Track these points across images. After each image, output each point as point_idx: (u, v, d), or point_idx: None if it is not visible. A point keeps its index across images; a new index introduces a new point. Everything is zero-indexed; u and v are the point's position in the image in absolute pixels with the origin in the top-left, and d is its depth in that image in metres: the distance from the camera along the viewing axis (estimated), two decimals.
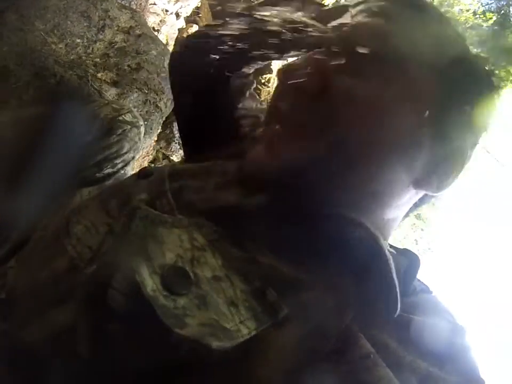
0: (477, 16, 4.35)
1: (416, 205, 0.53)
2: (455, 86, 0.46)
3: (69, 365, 0.35)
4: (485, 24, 4.34)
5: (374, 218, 0.47)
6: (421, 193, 0.51)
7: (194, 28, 2.91)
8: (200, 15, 3.08)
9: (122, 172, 0.88)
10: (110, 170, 0.86)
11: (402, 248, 0.51)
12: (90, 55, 1.18)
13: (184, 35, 2.84)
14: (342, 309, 0.39)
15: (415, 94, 0.45)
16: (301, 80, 0.45)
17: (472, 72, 0.47)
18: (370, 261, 0.41)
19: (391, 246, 0.51)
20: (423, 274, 0.51)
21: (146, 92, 1.45)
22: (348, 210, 0.42)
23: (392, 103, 0.44)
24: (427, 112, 0.45)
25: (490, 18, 4.30)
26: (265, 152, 0.46)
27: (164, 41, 2.46)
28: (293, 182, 0.44)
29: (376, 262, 0.41)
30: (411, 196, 0.50)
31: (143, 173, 0.50)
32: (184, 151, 0.67)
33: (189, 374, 0.33)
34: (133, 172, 0.54)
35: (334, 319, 0.38)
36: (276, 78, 0.49)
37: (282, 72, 0.48)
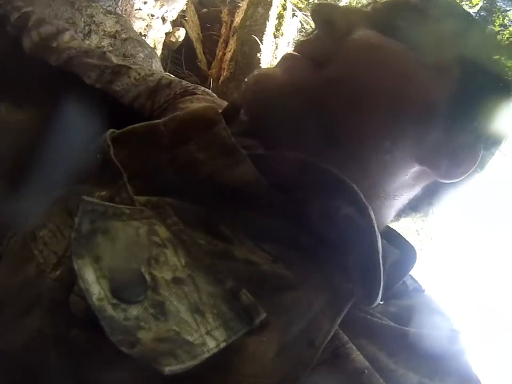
0: (463, 1, 4.36)
1: (422, 199, 0.50)
2: (476, 86, 0.45)
3: (44, 371, 0.32)
4: (471, 10, 4.34)
5: (372, 196, 0.44)
6: (424, 179, 0.47)
7: (181, 31, 2.93)
8: (186, 18, 3.10)
9: None
10: None
11: (399, 237, 0.49)
12: None
13: (171, 39, 2.86)
14: (332, 313, 0.35)
15: (438, 69, 0.44)
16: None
17: (495, 74, 0.47)
18: (354, 236, 0.37)
19: (389, 231, 0.49)
20: (423, 266, 0.49)
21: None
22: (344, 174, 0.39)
23: (415, 65, 0.43)
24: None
25: (477, 3, 4.30)
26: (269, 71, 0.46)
27: (152, 46, 2.47)
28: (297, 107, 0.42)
29: (359, 237, 0.37)
30: (412, 175, 0.46)
31: (98, 165, 0.45)
32: None
33: None
34: None
35: (322, 324, 0.34)
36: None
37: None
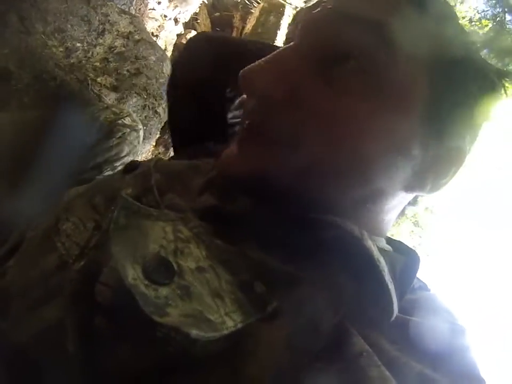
0: (473, 23, 4.38)
1: (410, 204, 0.51)
2: (454, 84, 0.43)
3: (59, 362, 0.34)
4: (481, 32, 4.36)
5: (363, 221, 0.44)
6: (411, 196, 0.48)
7: (193, 34, 2.93)
8: (198, 20, 3.10)
9: None
10: (110, 172, 0.87)
11: (402, 244, 0.49)
12: (90, 59, 1.18)
13: (183, 41, 2.86)
14: (335, 305, 0.37)
15: (402, 102, 0.41)
16: (262, 86, 0.40)
17: (475, 70, 0.44)
18: (358, 262, 0.38)
19: (390, 241, 0.50)
20: (424, 267, 0.48)
21: (145, 97, 1.46)
22: (332, 213, 0.39)
23: (375, 117, 0.40)
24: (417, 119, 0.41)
25: (486, 25, 4.32)
26: (237, 152, 0.42)
27: (163, 47, 2.47)
28: (266, 188, 0.40)
29: (364, 263, 0.38)
30: (402, 198, 0.46)
31: (129, 167, 0.49)
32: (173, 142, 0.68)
33: (178, 373, 0.32)
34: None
35: (327, 314, 0.36)
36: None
37: (242, 78, 0.42)
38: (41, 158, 0.67)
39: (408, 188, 0.44)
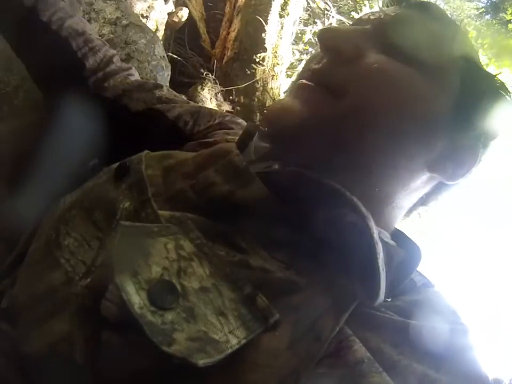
0: None
1: (429, 196, 0.55)
2: (478, 81, 0.49)
3: (67, 373, 0.35)
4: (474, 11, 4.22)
5: (381, 206, 0.49)
6: (433, 181, 0.52)
7: (184, 11, 2.86)
8: None
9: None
10: None
11: (406, 237, 0.52)
12: None
13: (174, 19, 2.80)
14: (337, 311, 0.38)
15: (442, 81, 0.48)
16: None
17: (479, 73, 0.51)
18: (357, 242, 0.40)
19: (395, 233, 0.52)
20: (427, 265, 0.51)
21: None
22: (352, 192, 0.42)
23: (418, 84, 0.47)
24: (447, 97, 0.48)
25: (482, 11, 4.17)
26: (295, 100, 0.48)
27: (154, 27, 2.42)
28: (311, 140, 0.46)
29: (361, 243, 0.40)
30: (423, 181, 0.51)
31: (120, 171, 0.49)
32: None
33: (179, 381, 0.33)
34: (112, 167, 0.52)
35: (328, 321, 0.37)
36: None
37: (322, 33, 0.49)
38: (41, 159, 0.67)
39: (431, 167, 0.49)
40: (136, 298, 0.33)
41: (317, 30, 3.84)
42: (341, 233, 0.42)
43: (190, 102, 0.80)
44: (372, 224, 0.40)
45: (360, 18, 0.55)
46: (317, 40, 0.52)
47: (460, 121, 0.48)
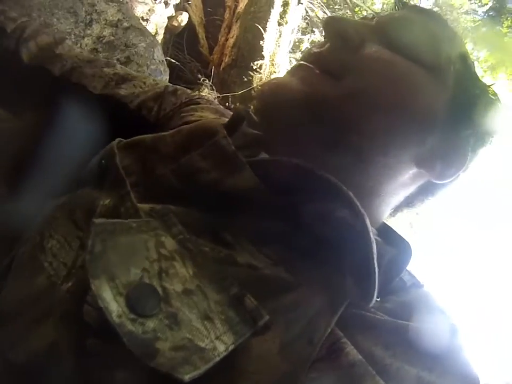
0: (472, 1, 4.28)
1: (415, 196, 0.54)
2: (468, 81, 0.50)
3: (57, 380, 0.34)
4: (480, 10, 4.27)
5: (373, 195, 0.48)
6: (420, 179, 0.52)
7: (184, 16, 2.88)
8: (189, 1, 3.05)
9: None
10: None
11: (395, 234, 0.50)
12: None
13: (174, 23, 2.82)
14: (328, 312, 0.37)
15: (437, 77, 0.48)
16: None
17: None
18: (349, 239, 0.39)
19: (384, 230, 0.51)
20: (417, 261, 0.50)
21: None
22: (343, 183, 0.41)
23: (416, 76, 0.47)
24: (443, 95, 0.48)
25: (486, 3, 4.23)
26: (294, 77, 0.48)
27: (153, 31, 2.43)
28: (309, 117, 0.45)
29: (354, 241, 0.39)
30: (410, 176, 0.50)
31: (101, 169, 0.47)
32: None
33: None
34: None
35: (320, 323, 0.36)
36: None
37: (330, 19, 0.51)
38: (40, 161, 0.66)
39: (420, 163, 0.48)
40: (114, 306, 0.30)
41: (314, 39, 3.88)
42: (330, 229, 0.40)
43: (152, 81, 0.73)
44: (368, 222, 0.39)
45: (365, 16, 0.57)
46: (322, 26, 0.53)
47: (452, 120, 0.48)
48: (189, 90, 0.71)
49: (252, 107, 0.52)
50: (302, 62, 0.49)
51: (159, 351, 0.30)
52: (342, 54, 0.47)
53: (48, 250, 0.40)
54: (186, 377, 0.29)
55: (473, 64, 0.53)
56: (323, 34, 0.51)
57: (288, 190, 0.41)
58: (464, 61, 0.51)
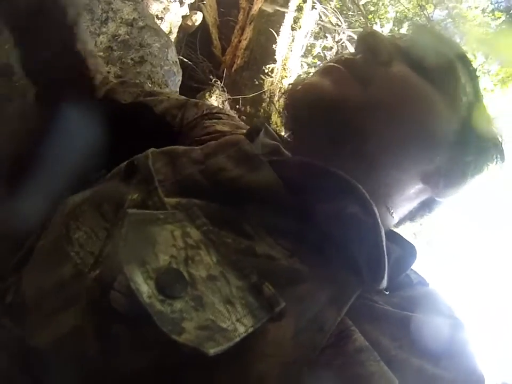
0: (486, 14, 4.27)
1: (416, 211, 0.57)
2: (478, 115, 0.55)
3: (78, 366, 0.35)
4: (493, 23, 4.26)
5: (380, 206, 0.50)
6: (423, 195, 0.55)
7: (198, 15, 2.88)
8: (204, 1, 3.04)
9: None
10: None
11: (401, 238, 0.53)
12: (94, 49, 1.17)
13: (188, 22, 2.81)
14: (339, 302, 0.39)
15: (452, 104, 0.52)
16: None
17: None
18: (360, 233, 0.42)
19: (390, 233, 0.53)
20: (421, 268, 0.53)
21: (150, 85, 1.44)
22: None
23: (429, 96, 0.51)
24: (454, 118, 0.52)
25: (499, 17, 4.22)
26: (325, 79, 0.51)
27: (168, 29, 2.43)
28: (332, 122, 0.48)
29: (364, 231, 0.42)
30: (416, 191, 0.54)
31: (129, 169, 0.49)
32: None
33: (188, 371, 0.33)
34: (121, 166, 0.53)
35: (331, 312, 0.38)
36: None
37: (366, 34, 0.54)
38: (42, 158, 0.66)
39: (425, 180, 0.52)
40: (145, 288, 0.33)
41: (326, 44, 3.87)
42: (342, 225, 0.43)
43: (175, 94, 0.81)
44: (377, 212, 0.42)
45: (393, 35, 0.60)
46: (357, 38, 0.56)
47: (460, 145, 0.52)
48: (209, 103, 0.77)
49: (281, 103, 0.56)
50: (334, 64, 0.52)
51: (185, 329, 0.32)
52: (370, 66, 0.51)
53: (75, 240, 0.42)
54: (211, 351, 0.31)
55: (483, 98, 0.58)
56: (356, 45, 0.55)
57: (301, 188, 0.45)
58: (477, 95, 0.56)
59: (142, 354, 0.33)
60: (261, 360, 0.34)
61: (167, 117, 0.69)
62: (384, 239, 0.42)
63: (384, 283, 0.42)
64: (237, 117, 0.75)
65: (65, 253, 0.42)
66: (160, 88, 1.42)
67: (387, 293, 0.44)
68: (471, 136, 0.53)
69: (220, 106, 2.63)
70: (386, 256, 0.41)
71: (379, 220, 0.42)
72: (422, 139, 0.50)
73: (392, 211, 0.53)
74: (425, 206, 0.57)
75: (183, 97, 0.77)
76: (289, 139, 0.56)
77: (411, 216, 0.57)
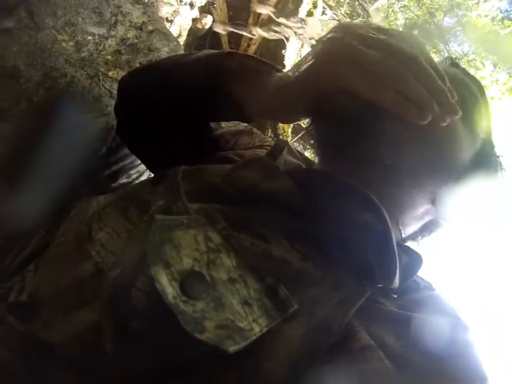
0: (495, 22, 4.25)
1: (420, 232, 0.61)
2: (487, 155, 0.60)
3: (94, 362, 0.37)
4: (502, 31, 4.25)
5: (392, 223, 0.50)
6: (427, 217, 0.58)
7: (208, 18, 2.88)
8: (214, 5, 3.04)
9: (137, 182, 0.88)
10: (125, 180, 0.86)
11: (408, 247, 0.56)
12: (102, 52, 1.16)
13: (198, 25, 2.81)
14: (346, 305, 0.40)
15: (472, 140, 0.57)
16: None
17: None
18: (373, 239, 0.45)
19: (400, 247, 0.53)
20: (425, 273, 0.55)
21: None
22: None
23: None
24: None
25: (509, 25, 4.20)
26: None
27: (177, 32, 2.43)
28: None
29: (377, 238, 0.45)
30: (424, 211, 0.57)
31: (158, 178, 0.52)
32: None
33: (201, 368, 0.35)
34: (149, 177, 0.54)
35: (338, 314, 0.39)
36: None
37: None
38: (42, 158, 0.66)
39: (435, 201, 0.55)
40: (170, 289, 0.34)
41: None
42: (354, 231, 0.45)
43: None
44: (388, 219, 0.45)
45: None
46: None
47: (469, 173, 0.55)
48: (263, 135, 0.81)
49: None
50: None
51: (206, 328, 0.34)
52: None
53: (97, 240, 0.44)
54: (231, 349, 0.33)
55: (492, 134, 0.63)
56: None
57: (316, 195, 0.47)
58: (489, 133, 0.61)
59: (159, 352, 0.35)
60: (271, 359, 0.36)
61: (220, 140, 0.72)
62: (394, 241, 0.45)
63: (397, 282, 0.44)
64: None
65: (85, 252, 0.44)
66: None
67: (395, 296, 0.47)
68: (481, 166, 0.57)
69: None
70: (397, 255, 0.44)
71: (390, 227, 0.45)
72: (446, 162, 0.53)
73: (401, 228, 0.56)
74: (427, 228, 0.61)
75: (242, 125, 0.80)
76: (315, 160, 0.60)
77: (413, 236, 0.61)
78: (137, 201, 0.49)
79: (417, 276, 0.53)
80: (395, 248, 0.44)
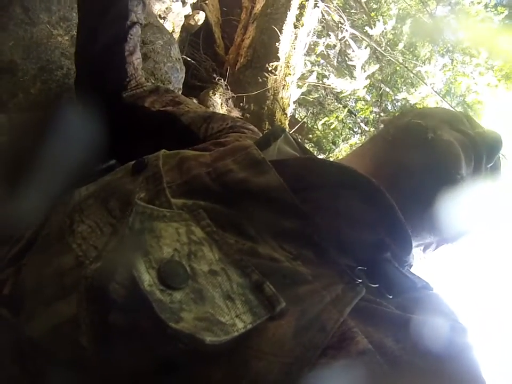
0: (488, 9, 4.24)
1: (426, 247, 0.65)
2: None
3: (71, 355, 0.36)
4: (496, 18, 4.24)
5: None
6: (428, 238, 0.62)
7: (201, 15, 2.88)
8: (206, 1, 3.05)
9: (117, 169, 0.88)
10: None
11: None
12: None
13: (191, 22, 2.82)
14: (341, 304, 0.39)
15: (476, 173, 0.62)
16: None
17: None
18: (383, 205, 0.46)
19: None
20: (423, 272, 0.57)
21: (153, 81, 1.45)
22: None
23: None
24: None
25: (502, 12, 4.19)
26: None
27: (170, 29, 2.44)
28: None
29: (387, 206, 0.46)
30: (426, 230, 0.59)
31: (137, 167, 0.51)
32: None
33: (185, 368, 0.34)
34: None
35: (332, 313, 0.38)
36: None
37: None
38: (42, 158, 0.67)
39: (431, 231, 0.59)
40: (146, 276, 0.34)
41: (330, 43, 3.86)
42: (344, 220, 0.46)
43: (202, 107, 0.84)
44: (388, 195, 0.47)
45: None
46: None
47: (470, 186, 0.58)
48: (233, 116, 0.81)
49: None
50: None
51: (183, 319, 0.33)
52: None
53: (78, 233, 0.44)
54: (208, 339, 0.32)
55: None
56: None
57: (301, 187, 0.46)
58: (495, 173, 0.64)
59: (137, 345, 0.34)
60: (259, 358, 0.34)
61: (192, 126, 0.72)
62: (401, 215, 0.46)
63: (413, 253, 0.47)
64: (260, 133, 0.77)
65: (66, 245, 0.43)
66: (164, 84, 1.43)
67: (390, 297, 0.46)
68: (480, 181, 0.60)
69: (224, 104, 2.64)
70: (408, 228, 0.46)
71: (394, 205, 0.47)
72: (451, 182, 0.55)
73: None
74: (429, 244, 0.64)
75: (210, 110, 0.81)
76: None
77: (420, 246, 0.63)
78: (118, 193, 0.48)
79: (414, 275, 0.52)
80: (403, 220, 0.46)
